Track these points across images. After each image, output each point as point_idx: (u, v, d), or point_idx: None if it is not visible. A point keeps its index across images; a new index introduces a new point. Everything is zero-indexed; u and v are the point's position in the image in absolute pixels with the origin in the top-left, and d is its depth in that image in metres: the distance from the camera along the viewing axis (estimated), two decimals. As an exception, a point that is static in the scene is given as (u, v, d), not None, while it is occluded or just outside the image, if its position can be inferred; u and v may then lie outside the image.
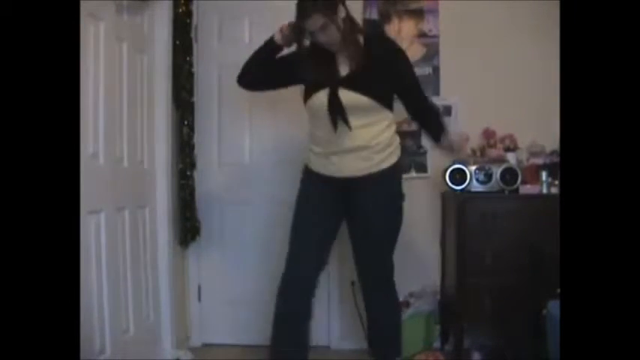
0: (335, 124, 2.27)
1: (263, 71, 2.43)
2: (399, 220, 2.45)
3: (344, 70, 2.31)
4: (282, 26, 2.34)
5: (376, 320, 2.53)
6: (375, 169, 2.34)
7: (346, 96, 2.26)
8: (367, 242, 2.42)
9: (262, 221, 3.38)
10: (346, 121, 2.27)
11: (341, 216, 2.45)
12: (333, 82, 2.28)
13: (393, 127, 2.44)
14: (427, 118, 2.55)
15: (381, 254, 2.45)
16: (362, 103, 2.28)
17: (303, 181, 2.48)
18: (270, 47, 2.38)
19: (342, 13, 2.27)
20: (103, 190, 2.41)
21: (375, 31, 2.48)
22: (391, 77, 2.35)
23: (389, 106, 2.39)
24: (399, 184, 2.45)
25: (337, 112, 2.27)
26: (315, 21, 2.21)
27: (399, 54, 2.41)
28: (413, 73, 2.47)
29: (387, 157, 2.38)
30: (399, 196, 2.45)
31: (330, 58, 2.31)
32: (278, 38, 2.35)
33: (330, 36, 2.25)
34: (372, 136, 2.33)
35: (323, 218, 2.41)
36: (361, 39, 2.35)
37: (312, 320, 2.85)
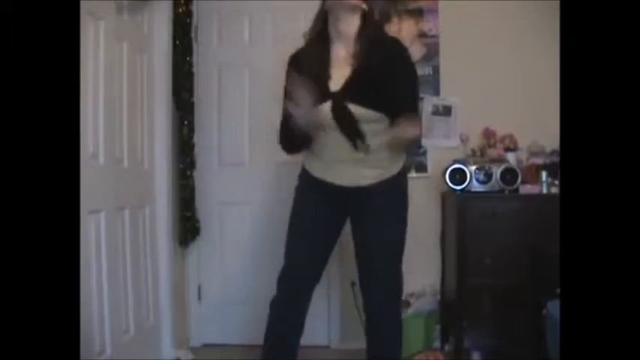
0: (352, 141, 2.08)
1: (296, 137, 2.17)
2: (406, 228, 2.29)
3: (343, 74, 2.09)
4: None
5: (380, 341, 2.27)
6: (385, 176, 2.19)
7: (354, 110, 2.06)
8: (378, 253, 2.22)
9: (262, 221, 3.38)
10: (361, 137, 2.07)
11: (341, 226, 2.31)
12: (336, 95, 2.07)
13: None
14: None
15: (392, 265, 2.25)
16: (369, 117, 2.08)
17: (302, 187, 2.29)
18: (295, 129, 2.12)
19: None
20: (103, 190, 2.41)
21: (379, 31, 2.20)
22: (389, 83, 2.08)
23: (391, 114, 2.09)
24: (406, 188, 2.31)
25: (350, 127, 2.07)
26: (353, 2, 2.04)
27: (400, 56, 2.16)
28: (408, 84, 2.17)
29: (395, 162, 2.22)
30: (406, 202, 2.30)
31: (327, 64, 2.10)
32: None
33: (353, 24, 2.07)
34: (380, 143, 2.11)
35: (324, 230, 2.25)
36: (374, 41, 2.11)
37: (312, 320, 2.84)
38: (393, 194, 2.24)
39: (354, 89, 2.06)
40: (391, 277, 2.26)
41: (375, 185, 2.17)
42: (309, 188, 2.26)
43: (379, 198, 2.19)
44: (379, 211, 2.21)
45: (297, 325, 2.27)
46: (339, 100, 2.06)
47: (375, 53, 2.07)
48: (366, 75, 2.06)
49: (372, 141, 2.11)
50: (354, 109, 2.06)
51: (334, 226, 2.29)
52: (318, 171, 2.23)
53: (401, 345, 2.30)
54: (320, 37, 2.14)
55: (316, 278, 2.29)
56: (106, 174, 2.43)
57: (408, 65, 2.18)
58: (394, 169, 2.22)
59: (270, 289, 2.46)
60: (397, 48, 2.16)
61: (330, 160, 2.18)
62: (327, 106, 2.07)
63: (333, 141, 2.13)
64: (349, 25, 2.09)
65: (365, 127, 2.09)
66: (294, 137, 2.16)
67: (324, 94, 2.05)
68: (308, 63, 2.13)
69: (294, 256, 2.24)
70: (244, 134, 3.44)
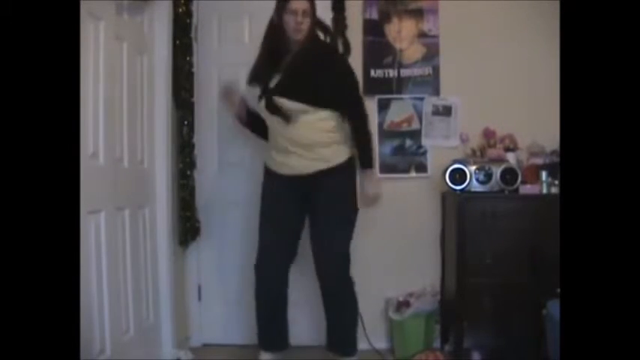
0: (284, 119, 2.52)
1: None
2: (353, 215, 2.63)
3: (279, 73, 2.56)
4: (225, 104, 2.95)
5: (333, 316, 2.68)
6: (324, 167, 2.55)
7: (279, 102, 2.52)
8: (321, 234, 2.59)
9: (262, 221, 3.37)
10: (287, 117, 2.51)
11: (300, 208, 2.66)
12: (269, 92, 2.55)
13: (344, 125, 2.60)
14: (355, 136, 2.63)
15: (335, 249, 2.60)
16: (296, 109, 2.50)
17: (264, 181, 2.74)
18: (239, 122, 2.89)
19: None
20: (103, 190, 2.41)
21: (320, 41, 2.67)
22: (326, 84, 2.52)
23: (328, 107, 2.53)
24: (353, 180, 2.62)
25: (276, 112, 2.54)
26: (302, 3, 2.48)
27: (334, 61, 2.64)
28: (346, 85, 2.60)
29: (336, 154, 2.58)
30: (352, 193, 2.61)
31: (273, 63, 2.57)
32: (232, 112, 2.86)
33: (304, 28, 2.49)
34: (316, 135, 2.53)
35: (286, 215, 2.65)
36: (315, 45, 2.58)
37: (312, 320, 2.86)
38: (338, 182, 2.59)
39: (282, 87, 2.53)
40: (339, 257, 2.61)
41: (317, 173, 2.55)
42: (268, 180, 2.71)
43: (324, 185, 2.56)
44: (325, 197, 2.57)
45: (281, 296, 2.70)
46: (270, 95, 2.54)
47: (306, 62, 2.53)
48: (294, 77, 2.53)
49: (307, 132, 2.52)
50: (280, 101, 2.51)
51: (293, 208, 2.65)
52: (271, 164, 2.68)
53: (356, 315, 2.74)
54: (269, 50, 2.60)
55: (289, 257, 2.67)
56: (106, 174, 2.43)
57: (342, 69, 2.62)
58: (336, 160, 2.58)
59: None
60: (330, 57, 2.66)
61: (278, 152, 2.60)
62: (262, 102, 2.59)
63: (275, 133, 2.59)
64: (294, 41, 2.54)
65: (300, 119, 2.51)
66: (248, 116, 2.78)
67: (263, 91, 2.58)
68: (259, 71, 2.63)
69: (265, 239, 2.66)
70: (244, 134, 3.43)
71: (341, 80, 2.58)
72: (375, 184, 2.68)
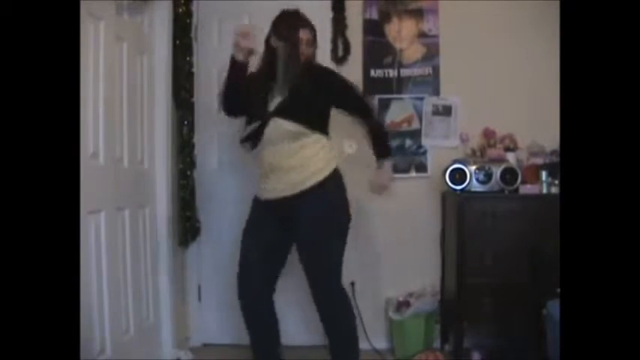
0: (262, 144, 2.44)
1: (238, 95, 2.50)
2: (339, 236, 2.50)
3: (280, 95, 2.43)
4: (236, 42, 2.44)
5: (331, 329, 2.54)
6: (304, 187, 2.41)
7: (277, 124, 2.39)
8: (310, 255, 2.46)
9: (262, 221, 3.37)
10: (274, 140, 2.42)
11: (278, 236, 2.52)
12: (268, 114, 2.42)
13: (329, 150, 2.50)
14: (367, 129, 2.60)
15: (322, 264, 2.48)
16: (292, 130, 2.39)
17: (252, 208, 2.60)
18: (236, 69, 2.46)
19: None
20: (103, 190, 2.41)
21: (313, 66, 2.57)
22: (326, 98, 2.47)
23: (321, 131, 2.47)
24: (334, 197, 2.49)
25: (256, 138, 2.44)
26: (308, 33, 2.46)
27: (331, 76, 2.55)
28: (350, 88, 2.56)
29: (315, 175, 2.43)
30: (336, 210, 2.49)
31: (266, 88, 2.45)
32: (238, 56, 2.44)
33: (305, 53, 2.45)
34: (303, 158, 2.41)
35: (263, 240, 2.52)
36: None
37: (312, 320, 2.84)
38: (317, 205, 2.43)
39: (282, 109, 2.41)
40: (329, 293, 2.50)
41: (295, 196, 2.40)
42: (255, 208, 2.58)
43: (303, 209, 2.41)
44: (305, 222, 2.43)
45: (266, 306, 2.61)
46: (270, 116, 2.42)
47: (305, 83, 2.42)
48: (296, 98, 2.41)
49: (287, 160, 2.41)
50: (280, 122, 2.40)
51: (273, 237, 2.52)
52: (258, 191, 2.55)
53: (354, 328, 2.56)
54: (267, 68, 2.48)
55: (269, 285, 2.58)
56: (106, 174, 2.43)
57: (341, 83, 2.55)
58: (314, 179, 2.42)
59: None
60: (326, 75, 2.54)
61: (263, 175, 2.48)
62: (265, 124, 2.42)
63: (265, 160, 2.45)
64: (304, 52, 2.46)
65: (289, 144, 2.40)
66: (232, 93, 2.49)
67: (264, 114, 2.43)
68: (256, 90, 2.47)
69: (241, 273, 2.57)
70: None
71: (342, 91, 2.55)
72: (388, 175, 2.63)
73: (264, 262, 2.54)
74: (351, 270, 3.34)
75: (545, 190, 2.92)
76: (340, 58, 3.33)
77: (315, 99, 2.45)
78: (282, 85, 2.43)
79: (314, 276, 2.48)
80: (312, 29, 2.50)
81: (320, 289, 2.49)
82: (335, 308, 2.52)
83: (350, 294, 3.30)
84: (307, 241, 2.46)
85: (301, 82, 2.44)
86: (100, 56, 2.37)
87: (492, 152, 3.09)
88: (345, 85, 2.57)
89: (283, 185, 2.43)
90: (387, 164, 2.62)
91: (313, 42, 2.52)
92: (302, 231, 2.44)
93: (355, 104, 2.60)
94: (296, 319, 3.22)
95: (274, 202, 2.46)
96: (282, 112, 2.40)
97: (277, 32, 2.46)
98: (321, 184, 2.43)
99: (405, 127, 3.36)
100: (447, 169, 2.96)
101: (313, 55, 2.54)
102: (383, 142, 2.63)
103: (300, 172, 2.42)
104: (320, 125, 2.50)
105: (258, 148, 2.49)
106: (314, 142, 2.45)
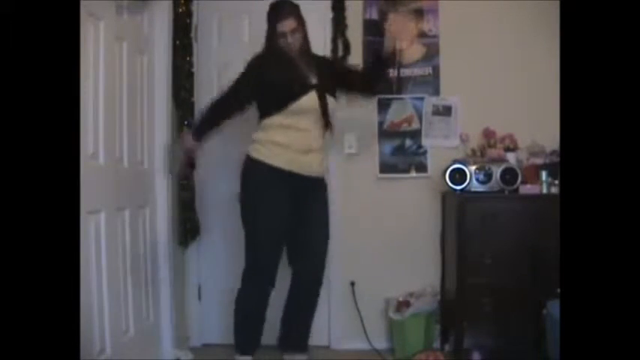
0: (327, 125, 2.66)
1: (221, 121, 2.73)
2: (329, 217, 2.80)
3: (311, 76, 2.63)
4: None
5: (302, 315, 2.79)
6: (323, 170, 2.74)
7: (327, 100, 2.63)
8: (319, 236, 2.72)
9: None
10: (331, 127, 2.71)
11: (290, 210, 2.65)
12: (318, 86, 2.60)
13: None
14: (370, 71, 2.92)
15: (326, 249, 2.75)
16: (333, 106, 2.68)
17: (260, 179, 2.63)
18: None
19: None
20: (103, 190, 2.40)
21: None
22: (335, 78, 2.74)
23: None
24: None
25: (326, 114, 2.63)
26: (289, 23, 2.54)
27: (332, 61, 2.98)
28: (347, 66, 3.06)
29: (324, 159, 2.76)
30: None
31: (301, 64, 2.63)
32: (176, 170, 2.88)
33: (296, 40, 2.57)
34: (322, 139, 2.70)
35: (282, 214, 2.62)
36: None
37: (313, 320, 2.84)
38: (325, 190, 2.80)
39: (326, 84, 2.64)
40: (324, 255, 2.74)
41: (321, 176, 2.72)
42: (269, 174, 2.60)
43: (322, 187, 2.76)
44: (322, 198, 2.74)
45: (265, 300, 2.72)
46: (323, 92, 2.61)
47: (323, 62, 2.78)
48: (326, 76, 2.66)
49: (319, 135, 2.67)
50: (328, 98, 2.64)
51: (291, 214, 2.65)
52: (285, 163, 2.59)
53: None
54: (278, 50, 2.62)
55: (278, 257, 2.69)
56: (106, 174, 2.43)
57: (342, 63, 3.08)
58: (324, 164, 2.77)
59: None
60: (329, 62, 2.95)
61: (299, 150, 2.60)
62: (313, 97, 2.59)
63: (304, 134, 2.60)
64: (295, 40, 2.61)
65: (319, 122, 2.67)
66: (217, 124, 2.69)
67: (306, 85, 2.60)
68: (282, 64, 2.61)
69: (262, 238, 2.64)
70: (244, 134, 3.42)
71: (346, 70, 2.95)
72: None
73: (281, 239, 2.67)
74: (351, 270, 3.35)
75: (545, 190, 2.92)
76: (340, 58, 3.33)
77: (335, 83, 2.72)
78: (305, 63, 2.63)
79: (316, 255, 2.70)
80: (296, 17, 2.58)
81: (320, 269, 2.71)
82: (318, 290, 2.74)
83: (350, 294, 3.33)
84: (320, 222, 2.72)
85: (330, 62, 2.84)
86: (100, 56, 2.37)
87: (492, 152, 3.10)
88: (344, 65, 3.02)
89: (316, 166, 2.66)
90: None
91: (300, 29, 2.59)
92: (315, 212, 2.70)
93: (358, 76, 2.87)
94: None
95: (308, 179, 2.63)
96: (323, 86, 2.61)
97: (266, 33, 2.66)
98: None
99: (405, 127, 3.35)
100: (447, 169, 2.96)
101: (305, 42, 2.64)
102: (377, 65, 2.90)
103: (322, 153, 2.71)
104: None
105: (299, 120, 2.59)
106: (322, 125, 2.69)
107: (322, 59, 2.83)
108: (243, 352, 2.73)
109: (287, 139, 2.58)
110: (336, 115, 2.75)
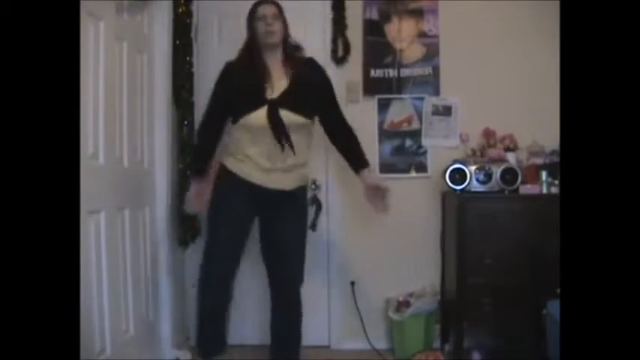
0: (281, 145, 2.44)
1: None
2: (305, 231, 2.67)
3: (279, 86, 2.46)
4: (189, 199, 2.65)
5: (283, 327, 2.67)
6: (301, 183, 2.59)
7: (286, 116, 2.42)
8: (287, 249, 2.57)
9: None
10: (291, 145, 2.44)
11: (253, 221, 2.60)
12: (272, 102, 2.43)
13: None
14: (347, 142, 2.64)
15: (299, 263, 2.60)
16: (300, 122, 2.47)
17: (223, 185, 2.55)
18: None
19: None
20: (103, 190, 2.40)
21: (298, 52, 2.64)
22: (316, 95, 2.54)
23: (313, 124, 2.58)
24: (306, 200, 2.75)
25: (281, 133, 2.43)
26: (271, 8, 2.49)
27: (324, 73, 2.62)
28: (334, 93, 2.63)
29: (307, 173, 2.65)
30: (306, 210, 2.73)
31: (265, 72, 2.48)
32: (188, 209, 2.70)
33: (276, 30, 2.47)
34: (305, 154, 2.56)
35: (242, 223, 2.55)
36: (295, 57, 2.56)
37: (312, 320, 2.84)
38: (302, 201, 2.66)
39: (289, 98, 2.45)
40: (297, 268, 2.60)
41: (294, 190, 2.55)
42: (233, 183, 2.52)
43: (294, 200, 2.57)
44: (294, 211, 2.59)
45: (224, 302, 2.64)
46: (276, 108, 2.43)
47: (302, 73, 2.51)
48: (296, 88, 2.47)
49: (300, 150, 2.50)
50: (287, 115, 2.43)
51: (250, 220, 2.59)
52: (245, 172, 2.51)
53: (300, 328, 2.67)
54: (250, 62, 2.53)
55: (235, 264, 2.58)
56: (106, 174, 2.43)
57: (332, 90, 2.63)
58: (306, 179, 2.65)
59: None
60: (316, 67, 2.61)
61: (267, 169, 2.48)
62: (262, 113, 2.42)
63: (268, 151, 2.46)
64: (275, 28, 2.50)
65: (297, 138, 2.46)
66: (210, 150, 2.61)
67: (260, 100, 2.44)
68: (246, 77, 2.50)
69: (216, 243, 2.54)
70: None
71: (324, 88, 2.60)
72: (377, 178, 2.74)
73: (238, 247, 2.55)
74: (351, 270, 3.35)
75: (545, 190, 2.92)
76: (340, 58, 3.33)
77: (313, 93, 2.52)
78: (278, 74, 2.48)
79: (288, 270, 2.58)
80: (278, 8, 2.52)
81: (295, 285, 2.59)
82: (299, 306, 2.63)
83: (350, 294, 3.33)
84: (292, 235, 2.57)
85: (303, 72, 2.51)
86: (100, 56, 2.37)
87: (492, 152, 3.10)
88: (333, 95, 2.63)
89: (291, 179, 2.53)
90: (370, 170, 2.65)
91: (280, 19, 2.51)
92: (287, 225, 2.55)
93: (339, 115, 2.63)
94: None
95: (272, 191, 2.50)
96: (286, 102, 2.44)
97: (247, 21, 2.58)
98: (304, 188, 2.65)
99: (405, 127, 3.35)
100: (447, 169, 2.96)
101: (285, 29, 2.53)
102: (362, 154, 2.63)
103: (304, 168, 2.59)
104: (313, 115, 2.56)
105: (253, 136, 2.47)
106: (311, 136, 2.59)
107: (311, 69, 2.59)
108: (204, 355, 2.64)
109: (249, 152, 2.48)
110: (310, 130, 2.56)
